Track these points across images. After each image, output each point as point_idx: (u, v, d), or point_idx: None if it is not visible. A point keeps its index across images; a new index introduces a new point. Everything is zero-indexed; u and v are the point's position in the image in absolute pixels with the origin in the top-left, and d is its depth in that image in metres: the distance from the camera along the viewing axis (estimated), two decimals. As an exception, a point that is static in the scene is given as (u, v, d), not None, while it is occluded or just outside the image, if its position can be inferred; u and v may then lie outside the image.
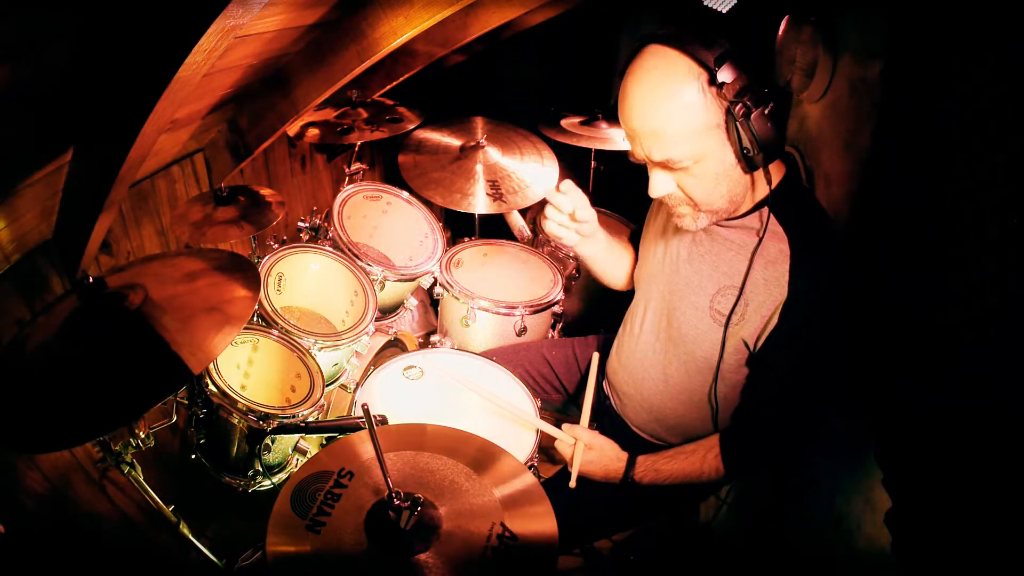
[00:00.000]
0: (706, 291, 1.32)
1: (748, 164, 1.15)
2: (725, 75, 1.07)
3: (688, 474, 1.37)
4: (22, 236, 1.53)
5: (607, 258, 1.63)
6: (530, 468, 1.46)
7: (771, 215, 1.23)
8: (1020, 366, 0.97)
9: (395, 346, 2.08)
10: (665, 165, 1.18)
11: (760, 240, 1.23)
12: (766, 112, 1.10)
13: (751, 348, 1.28)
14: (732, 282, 1.28)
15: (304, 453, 1.59)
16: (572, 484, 1.39)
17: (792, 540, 1.72)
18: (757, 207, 1.25)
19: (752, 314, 1.25)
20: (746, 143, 1.11)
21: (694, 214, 1.25)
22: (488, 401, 1.54)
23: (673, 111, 1.11)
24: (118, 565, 1.76)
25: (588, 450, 1.42)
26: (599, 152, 2.57)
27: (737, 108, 1.08)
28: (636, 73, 1.14)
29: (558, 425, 1.47)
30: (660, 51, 1.11)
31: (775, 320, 1.22)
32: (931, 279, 1.20)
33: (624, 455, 1.42)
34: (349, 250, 1.95)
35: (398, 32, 1.68)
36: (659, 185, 1.22)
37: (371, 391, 1.62)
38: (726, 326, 1.29)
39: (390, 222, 2.26)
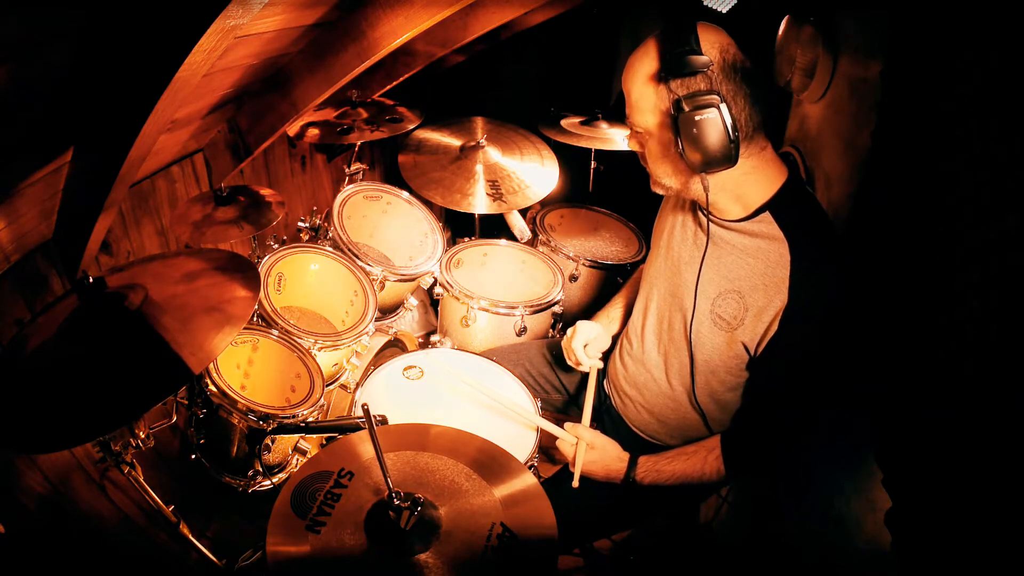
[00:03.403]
0: (707, 294, 1.32)
1: (684, 159, 1.19)
2: (668, 73, 1.15)
3: (689, 475, 1.38)
4: (22, 236, 1.53)
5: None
6: (530, 468, 1.45)
7: (772, 222, 1.24)
8: (1020, 367, 0.97)
9: (395, 346, 2.08)
10: (633, 127, 1.29)
11: (706, 242, 1.30)
12: (697, 119, 1.13)
13: (751, 353, 1.28)
14: (733, 286, 1.28)
15: (304, 453, 1.59)
16: (575, 484, 1.39)
17: (792, 540, 1.72)
18: (758, 211, 1.25)
19: (752, 319, 1.25)
20: (669, 136, 1.20)
21: (652, 179, 1.33)
22: (489, 399, 1.54)
23: (633, 83, 1.23)
24: (118, 565, 1.76)
25: (590, 449, 1.42)
26: (599, 152, 2.57)
27: (677, 105, 1.15)
28: (640, 45, 1.26)
29: (559, 424, 1.47)
30: (655, 38, 1.22)
31: (775, 326, 1.22)
32: (931, 280, 1.20)
33: (626, 455, 1.42)
34: (349, 250, 1.95)
35: (398, 32, 1.67)
36: (632, 143, 1.33)
37: (371, 391, 1.62)
38: (690, 329, 1.33)
39: (390, 222, 2.26)
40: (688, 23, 1.17)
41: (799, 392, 1.28)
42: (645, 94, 1.21)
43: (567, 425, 1.46)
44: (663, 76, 1.16)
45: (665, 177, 1.29)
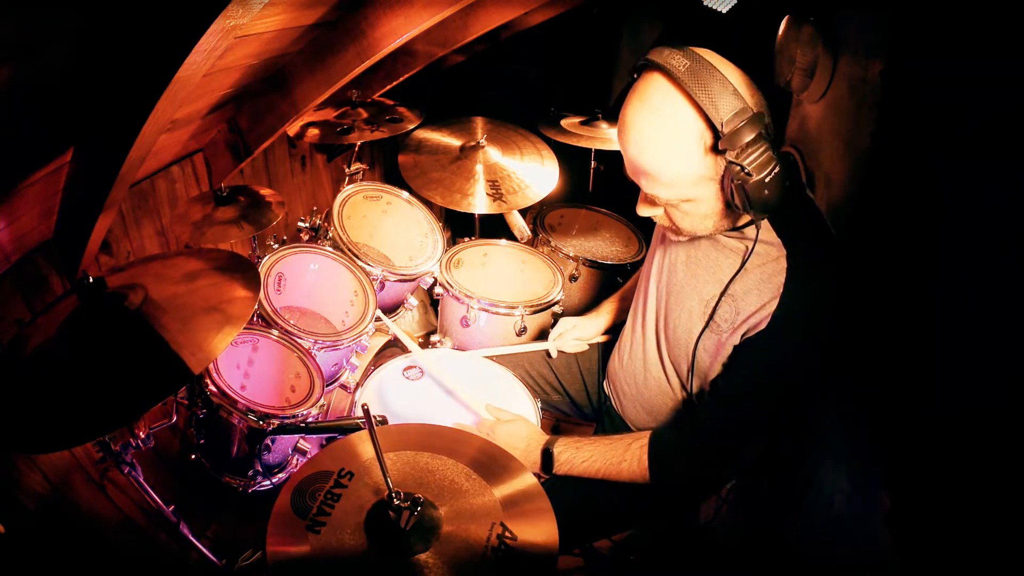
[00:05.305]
0: (701, 296, 1.32)
1: (734, 218, 1.19)
2: (730, 141, 1.03)
3: (608, 459, 1.36)
4: (22, 236, 1.53)
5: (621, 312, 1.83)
6: (530, 468, 1.46)
7: (769, 229, 1.22)
8: (1020, 367, 0.97)
9: (395, 346, 2.08)
10: (653, 200, 1.21)
11: (747, 255, 1.21)
12: (767, 180, 1.06)
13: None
14: (727, 289, 1.27)
15: (304, 453, 1.59)
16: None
17: (792, 540, 1.72)
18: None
19: (742, 325, 1.25)
20: (737, 203, 1.10)
21: (675, 233, 1.28)
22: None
23: (669, 161, 1.10)
24: (118, 565, 1.76)
25: (511, 422, 1.46)
26: (599, 152, 2.57)
27: (735, 169, 1.05)
28: (640, 107, 1.10)
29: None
30: (669, 92, 1.06)
31: (763, 325, 1.21)
32: (931, 280, 1.20)
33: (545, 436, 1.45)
34: (349, 250, 1.95)
35: (398, 32, 1.68)
36: (645, 209, 1.25)
37: (371, 391, 1.62)
38: (703, 328, 1.30)
39: (390, 222, 2.26)
40: (716, 75, 1.02)
41: (753, 402, 1.26)
42: (687, 170, 1.09)
43: (487, 406, 1.53)
44: (722, 149, 1.03)
45: (704, 230, 1.22)
